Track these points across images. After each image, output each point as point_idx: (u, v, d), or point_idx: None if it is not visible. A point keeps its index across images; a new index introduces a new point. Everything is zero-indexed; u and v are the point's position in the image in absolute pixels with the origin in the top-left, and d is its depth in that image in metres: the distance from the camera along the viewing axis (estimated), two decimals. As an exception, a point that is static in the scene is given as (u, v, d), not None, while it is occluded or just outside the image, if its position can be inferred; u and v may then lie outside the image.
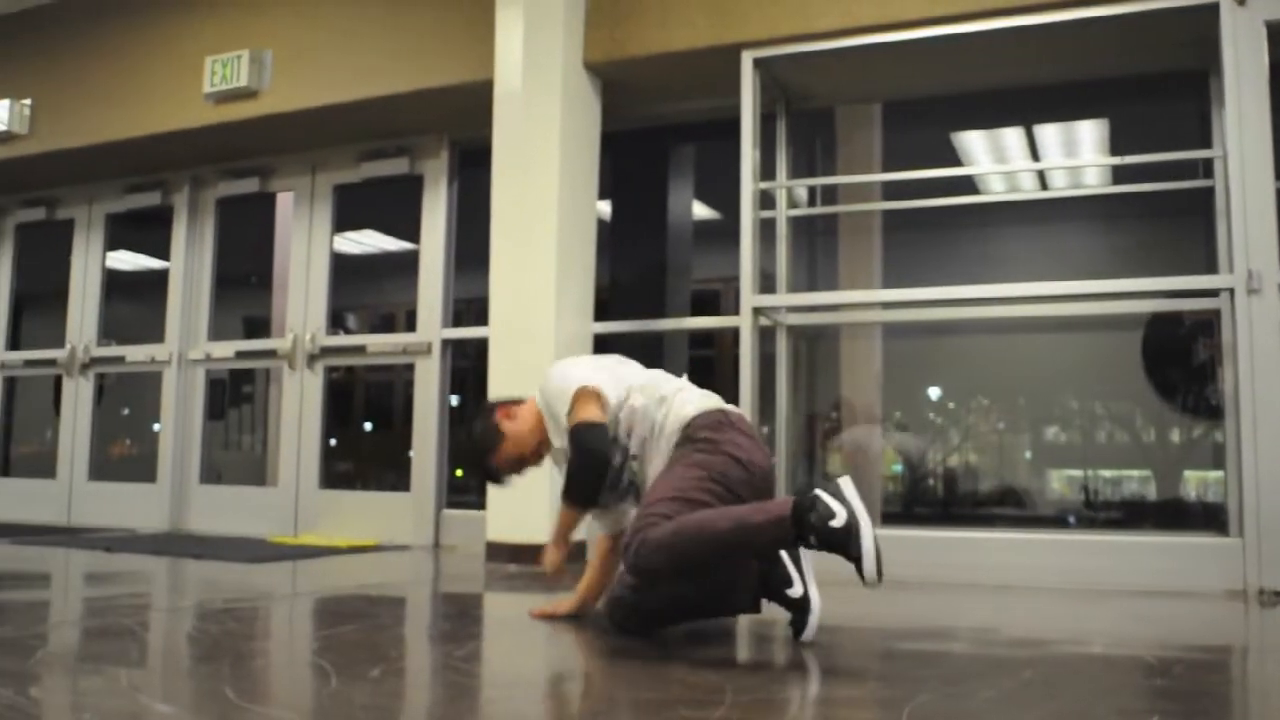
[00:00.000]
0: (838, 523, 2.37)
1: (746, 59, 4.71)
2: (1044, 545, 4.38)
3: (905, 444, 5.66)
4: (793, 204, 5.31)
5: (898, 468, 6.29)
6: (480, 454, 3.05)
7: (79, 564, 4.78)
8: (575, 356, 3.29)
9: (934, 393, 6.36)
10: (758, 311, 4.68)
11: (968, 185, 5.36)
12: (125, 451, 7.89)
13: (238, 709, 2.02)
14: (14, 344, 7.78)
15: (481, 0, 5.12)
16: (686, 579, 2.70)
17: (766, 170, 5.03)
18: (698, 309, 6.28)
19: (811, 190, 5.44)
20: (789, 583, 2.74)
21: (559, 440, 2.91)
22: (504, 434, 3.00)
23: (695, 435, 2.77)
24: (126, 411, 7.90)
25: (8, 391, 7.83)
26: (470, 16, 5.23)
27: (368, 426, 8.44)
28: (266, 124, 5.98)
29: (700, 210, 6.49)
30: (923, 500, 6.20)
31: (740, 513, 2.56)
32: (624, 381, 2.92)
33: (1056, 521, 5.69)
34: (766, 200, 5.07)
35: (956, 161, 5.72)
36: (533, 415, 3.00)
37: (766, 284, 5.01)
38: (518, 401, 3.08)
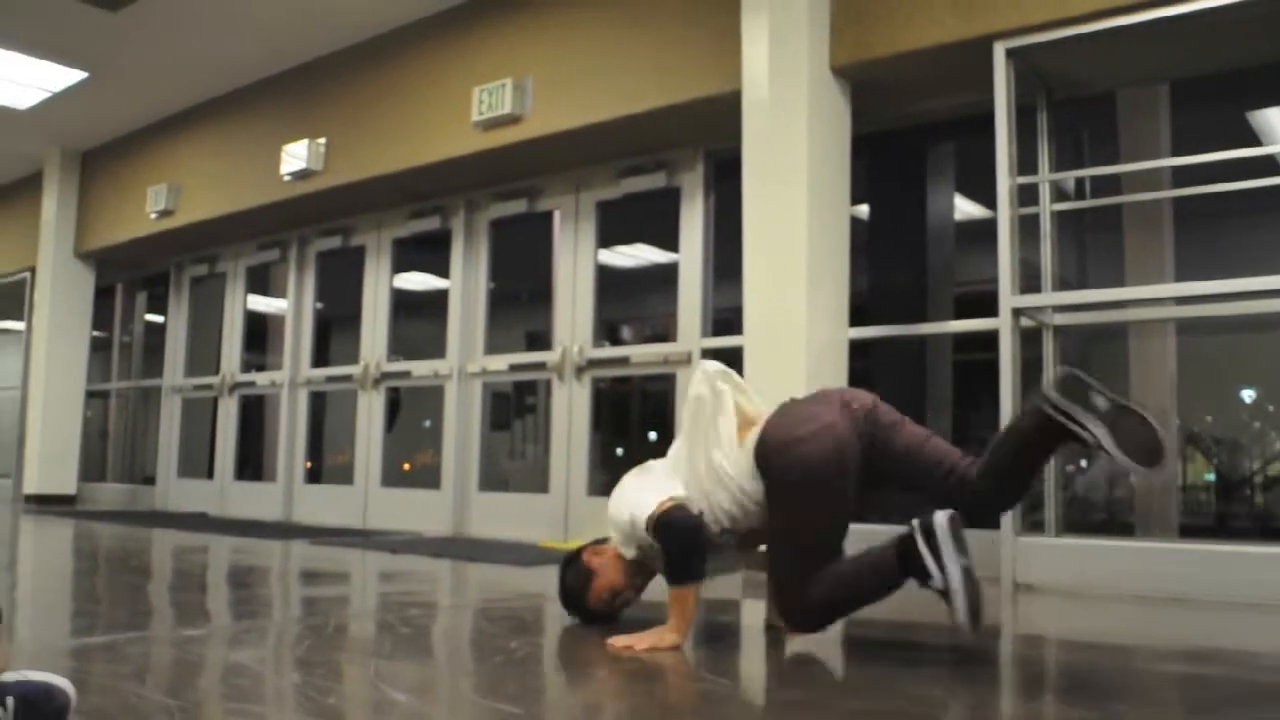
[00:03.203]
0: (937, 584, 2.53)
1: (998, 50, 4.50)
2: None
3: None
4: (1062, 197, 5.03)
5: (1209, 476, 5.86)
6: (577, 594, 3.08)
7: (364, 563, 5.15)
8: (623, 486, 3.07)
9: (1246, 395, 5.86)
10: (1018, 313, 4.46)
11: (1271, 166, 4.89)
12: (430, 460, 8.36)
13: (468, 702, 2.12)
14: (320, 362, 8.49)
15: (728, 12, 5.16)
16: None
17: (1028, 164, 4.79)
18: (968, 312, 6.05)
19: (1079, 183, 5.14)
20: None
21: (631, 550, 2.94)
22: (593, 570, 3.05)
23: (768, 474, 2.82)
24: (428, 423, 8.40)
25: (317, 405, 8.56)
26: (718, 29, 5.27)
27: (652, 436, 8.62)
28: (531, 147, 6.25)
29: (973, 209, 6.27)
30: (1236, 512, 5.72)
31: (866, 565, 2.75)
32: (670, 479, 2.92)
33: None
34: (1030, 196, 4.82)
35: (1255, 141, 5.24)
36: (616, 551, 3.02)
37: (1032, 283, 4.77)
38: (601, 541, 3.12)
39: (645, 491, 2.89)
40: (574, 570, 3.10)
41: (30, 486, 9.65)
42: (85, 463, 10.17)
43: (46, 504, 9.45)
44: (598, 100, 5.83)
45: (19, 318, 10.76)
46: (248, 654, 2.58)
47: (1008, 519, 4.32)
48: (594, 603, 3.05)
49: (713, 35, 5.32)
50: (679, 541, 2.78)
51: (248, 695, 2.14)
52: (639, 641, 2.69)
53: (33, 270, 10.19)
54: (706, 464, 2.88)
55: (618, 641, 2.70)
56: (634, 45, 5.69)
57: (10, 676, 1.57)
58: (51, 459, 9.70)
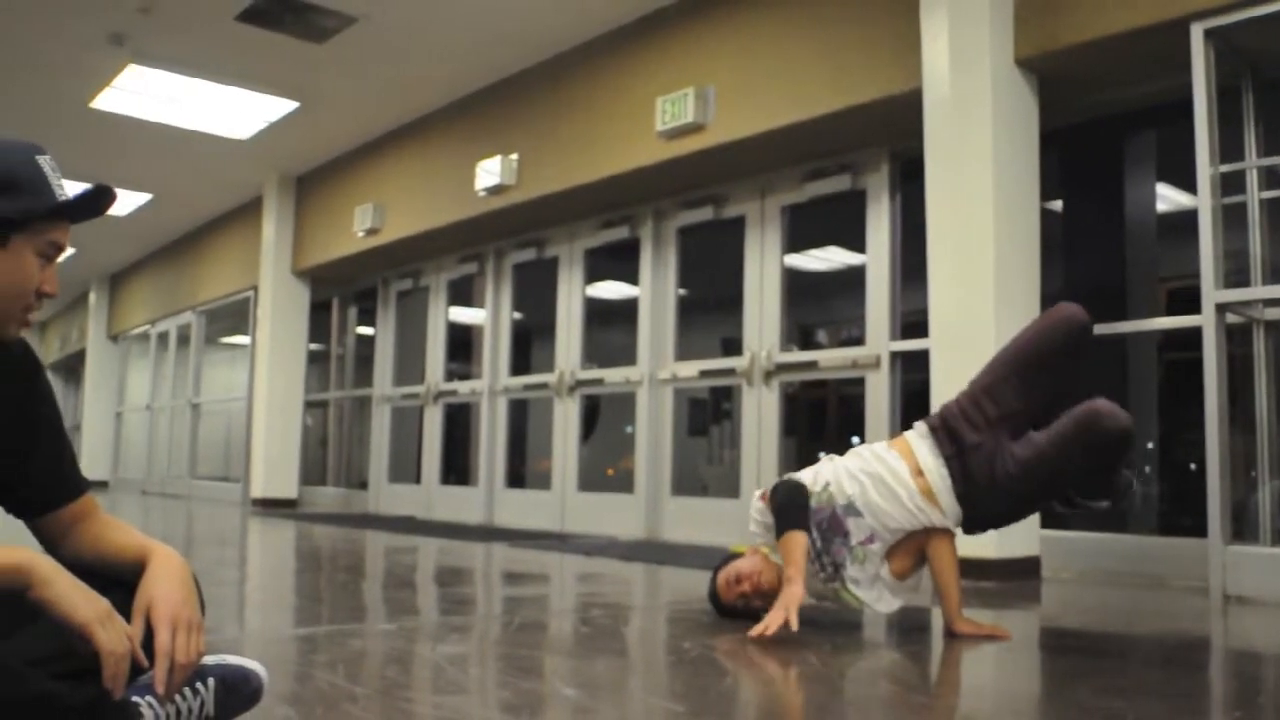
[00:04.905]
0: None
1: (1196, 31, 4.26)
2: None
3: None
4: (1275, 183, 4.72)
5: None
6: (713, 576, 3.38)
7: (559, 566, 5.30)
8: None
9: None
10: (1222, 308, 4.22)
11: None
12: (632, 465, 8.48)
13: (634, 699, 2.18)
14: (523, 370, 8.77)
15: (907, 10, 5.08)
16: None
17: (1234, 150, 4.53)
18: (1183, 308, 5.76)
19: (1294, 167, 4.82)
20: None
21: (766, 536, 3.26)
22: (734, 559, 3.35)
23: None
24: (630, 429, 8.54)
25: (519, 412, 8.83)
26: (897, 28, 5.19)
27: (854, 440, 8.53)
28: (714, 155, 6.30)
29: (1184, 199, 5.97)
30: None
31: None
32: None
33: None
34: (1239, 184, 4.55)
35: None
36: (757, 554, 3.29)
37: (1241, 277, 4.52)
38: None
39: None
40: (719, 566, 3.38)
41: (256, 490, 10.35)
42: (306, 468, 10.83)
43: (271, 507, 10.11)
44: (779, 105, 5.83)
45: (245, 333, 11.57)
46: (433, 648, 2.72)
47: (1215, 526, 4.08)
48: (721, 582, 3.29)
49: (892, 33, 5.24)
50: (783, 499, 3.11)
51: (426, 685, 2.26)
52: (769, 620, 2.87)
53: (255, 288, 10.94)
54: (856, 452, 3.26)
55: (754, 631, 2.87)
56: (812, 48, 5.67)
57: (211, 660, 1.72)
58: (275, 465, 10.37)
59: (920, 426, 3.22)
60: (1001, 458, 3.04)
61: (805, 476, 3.20)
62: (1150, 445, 5.88)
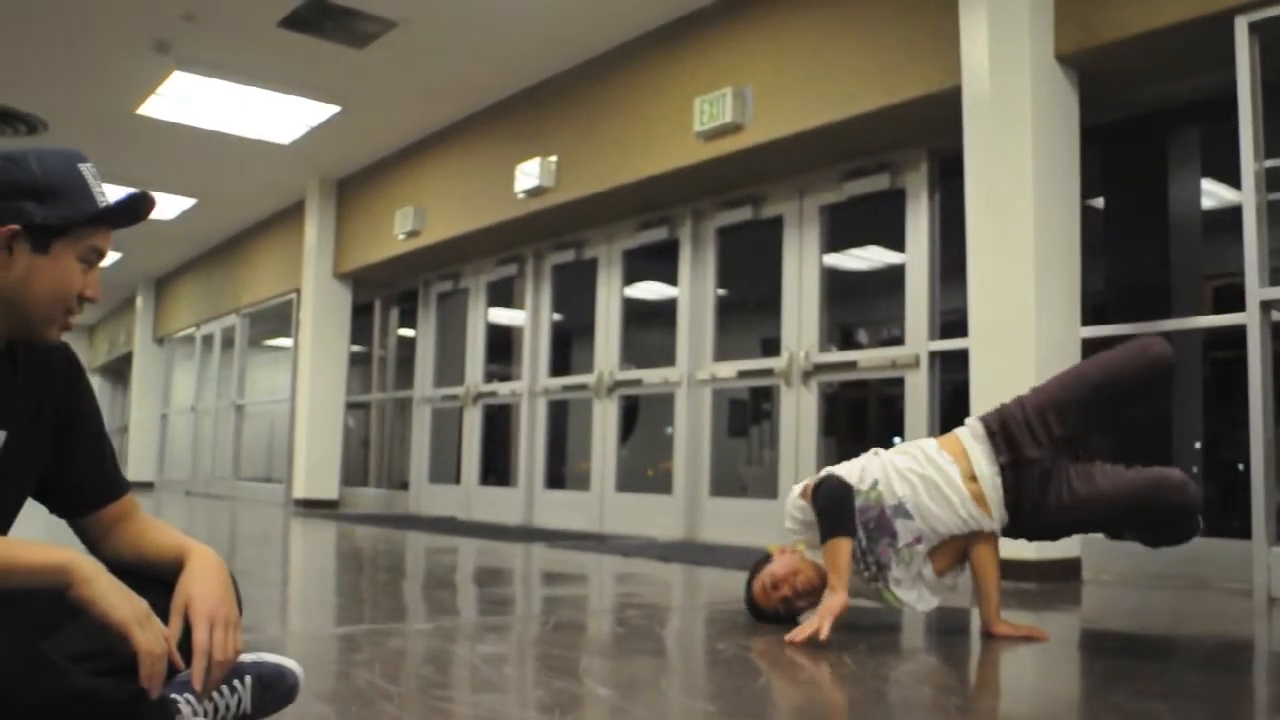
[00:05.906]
0: None
1: (1240, 25, 4.21)
2: None
3: None
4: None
5: None
6: (748, 580, 3.28)
7: (597, 567, 5.31)
8: None
9: None
10: (1268, 306, 4.16)
11: None
12: (671, 467, 8.46)
13: (667, 698, 2.18)
14: (563, 371, 8.80)
15: (946, 8, 5.04)
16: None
17: (1278, 145, 4.46)
18: (1231, 306, 5.67)
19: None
20: None
21: (803, 534, 3.14)
22: (770, 559, 3.24)
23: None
24: (670, 430, 8.53)
25: (558, 414, 8.87)
26: (936, 26, 5.16)
27: (896, 440, 8.43)
28: (752, 154, 6.29)
29: (1232, 195, 5.89)
30: None
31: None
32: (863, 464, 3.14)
33: None
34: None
35: None
36: (790, 553, 3.19)
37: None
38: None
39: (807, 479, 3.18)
40: (755, 562, 3.30)
41: (298, 491, 10.46)
42: (348, 469, 10.92)
43: (313, 507, 10.21)
44: (817, 104, 5.81)
45: (288, 335, 11.68)
46: (470, 648, 2.74)
47: (1260, 528, 4.02)
48: (757, 588, 3.21)
49: (930, 31, 5.21)
50: (827, 499, 2.97)
51: (463, 684, 2.28)
52: (810, 626, 2.82)
53: (298, 291, 11.05)
54: (904, 449, 3.16)
55: (795, 636, 2.82)
56: (850, 47, 5.64)
57: (248, 657, 1.74)
58: (316, 466, 10.47)
59: (976, 427, 3.12)
60: (1058, 481, 3.00)
61: (851, 472, 3.07)
62: (1196, 445, 5.80)
